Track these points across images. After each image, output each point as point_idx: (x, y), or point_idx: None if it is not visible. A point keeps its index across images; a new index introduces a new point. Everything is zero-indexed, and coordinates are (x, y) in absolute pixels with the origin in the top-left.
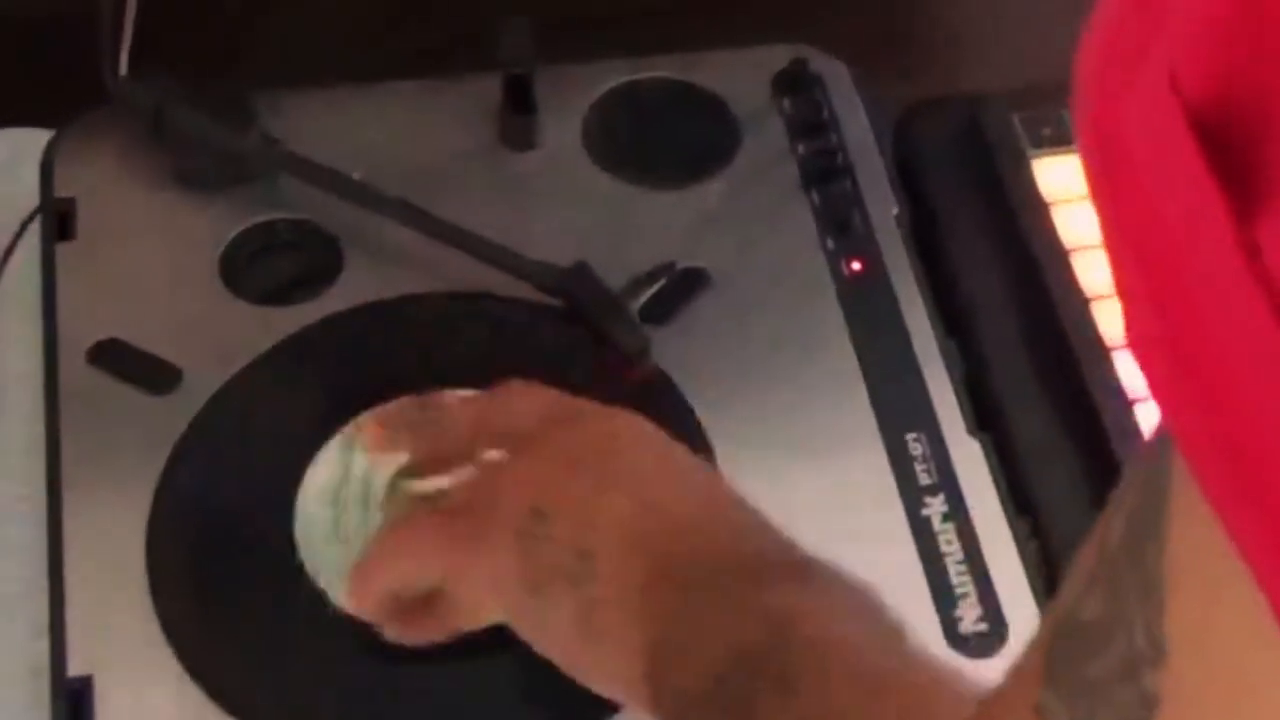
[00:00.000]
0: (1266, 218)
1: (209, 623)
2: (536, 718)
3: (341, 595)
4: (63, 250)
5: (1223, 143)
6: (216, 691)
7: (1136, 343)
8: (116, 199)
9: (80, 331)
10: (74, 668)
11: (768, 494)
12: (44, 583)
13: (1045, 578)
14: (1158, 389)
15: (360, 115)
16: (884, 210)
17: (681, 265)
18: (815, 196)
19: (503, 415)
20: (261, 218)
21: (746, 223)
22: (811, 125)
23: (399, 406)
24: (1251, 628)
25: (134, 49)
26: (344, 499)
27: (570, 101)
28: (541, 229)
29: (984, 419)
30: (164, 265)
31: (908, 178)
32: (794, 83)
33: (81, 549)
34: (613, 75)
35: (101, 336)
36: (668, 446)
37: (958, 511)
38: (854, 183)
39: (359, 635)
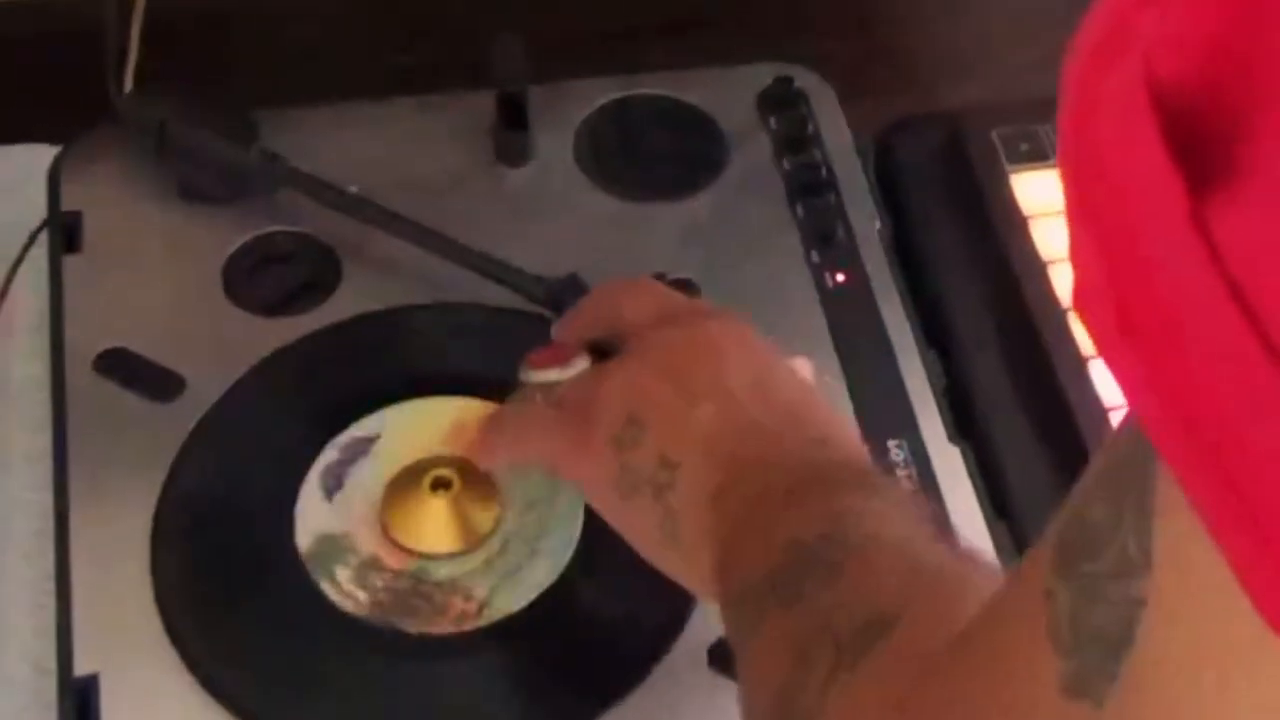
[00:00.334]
0: (1220, 196)
1: (211, 622)
2: (536, 716)
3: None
4: (69, 262)
5: (1187, 124)
6: (218, 689)
7: (1084, 303)
8: (121, 213)
9: (86, 341)
10: (80, 666)
11: None
12: (50, 584)
13: None
14: (1108, 354)
15: (358, 131)
16: (867, 224)
17: (671, 276)
18: (800, 210)
19: (613, 311)
20: (262, 231)
21: (734, 235)
22: (797, 141)
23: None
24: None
25: (138, 67)
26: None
27: (562, 118)
28: (534, 242)
29: (964, 426)
30: (168, 276)
31: (890, 192)
32: (780, 100)
33: (88, 551)
34: (604, 92)
35: (107, 346)
36: (764, 353)
37: (938, 517)
38: (838, 197)
39: (358, 634)
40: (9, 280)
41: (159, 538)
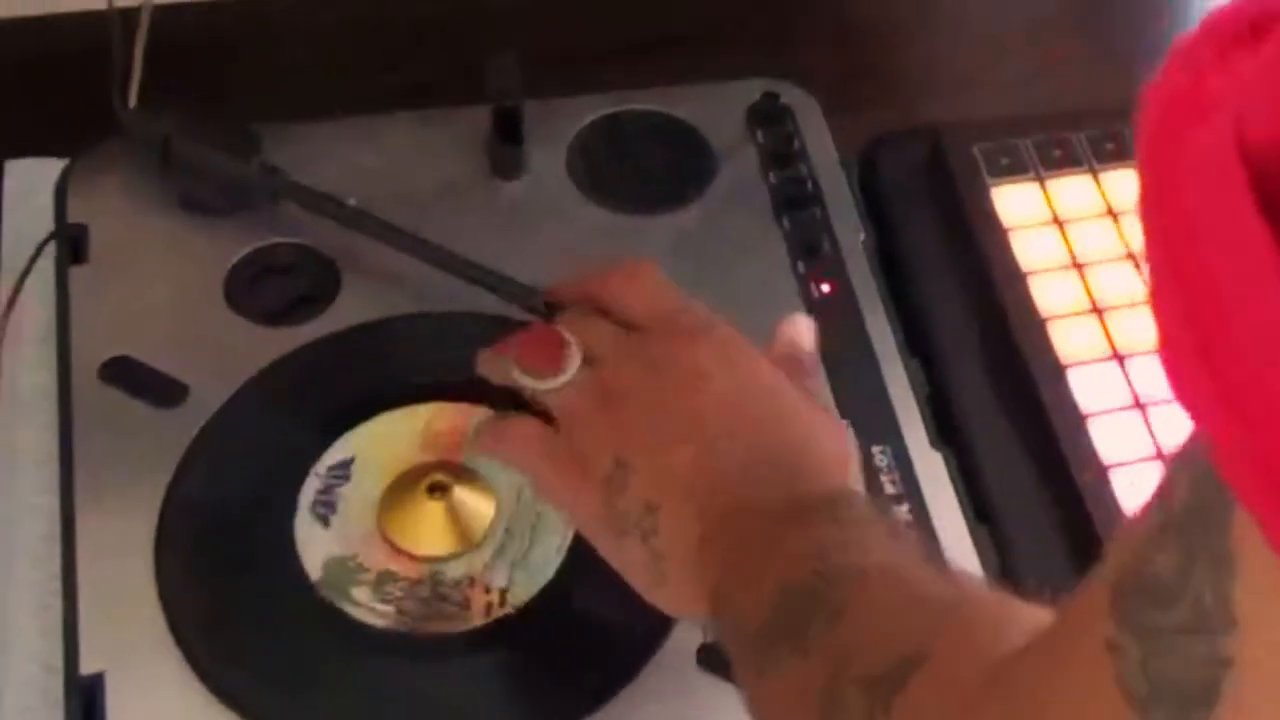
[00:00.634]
0: None
1: (214, 623)
2: (537, 716)
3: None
4: (75, 273)
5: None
6: (220, 687)
7: (1169, 355)
8: (126, 225)
9: (92, 349)
10: (86, 665)
11: None
12: (57, 586)
13: (1003, 582)
14: (1191, 406)
15: (357, 145)
16: (851, 235)
17: None
18: (787, 222)
19: (614, 300)
20: (263, 242)
21: (722, 247)
22: (783, 155)
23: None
24: None
25: (143, 83)
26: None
27: (555, 132)
28: (528, 253)
29: (946, 433)
30: (171, 287)
31: (874, 205)
32: (767, 115)
33: (93, 554)
34: (596, 108)
35: (112, 354)
36: (749, 374)
37: (921, 520)
38: (823, 209)
39: (357, 634)
40: (17, 290)
41: (163, 540)
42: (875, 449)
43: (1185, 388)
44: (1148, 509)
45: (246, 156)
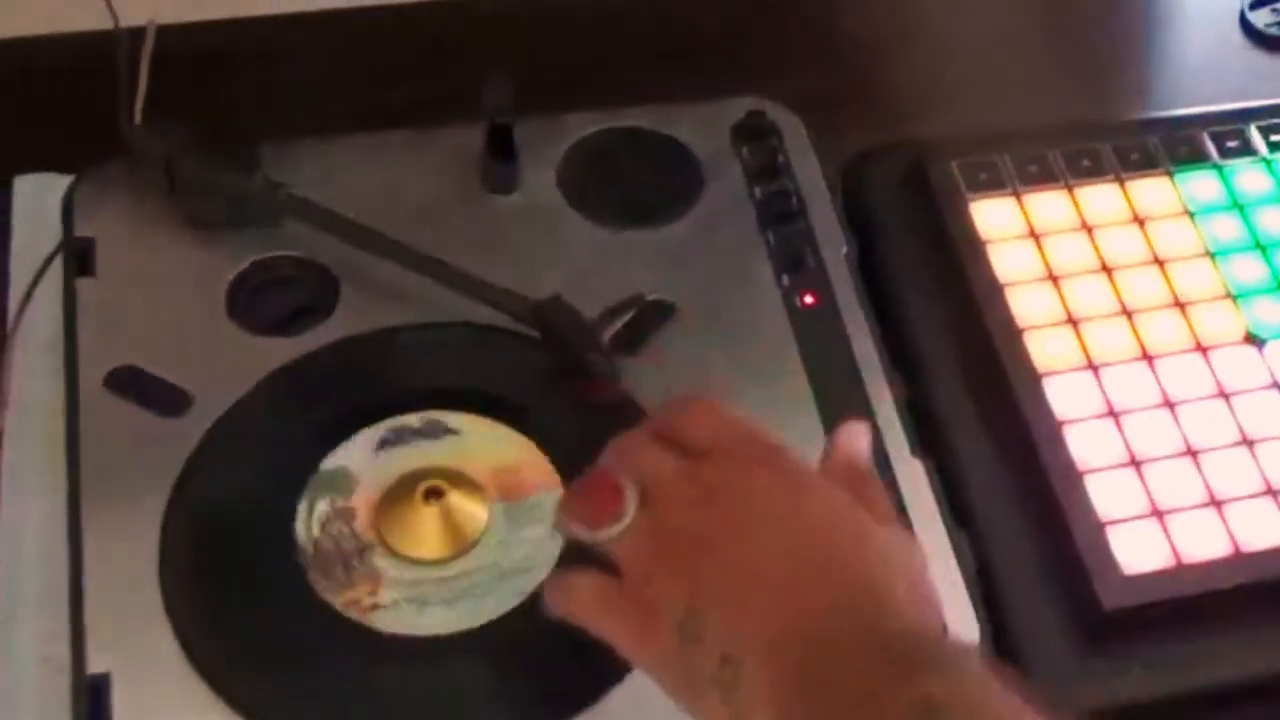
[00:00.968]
0: None
1: (216, 624)
2: (529, 716)
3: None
4: (82, 285)
5: None
6: (221, 687)
7: None
8: (132, 239)
9: (98, 359)
10: (93, 665)
11: None
12: (64, 590)
13: (982, 587)
14: None
15: (355, 162)
16: (834, 248)
17: (649, 298)
18: (771, 236)
19: (676, 431)
20: (264, 255)
21: (709, 260)
22: (768, 171)
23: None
24: None
25: (148, 101)
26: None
27: (547, 149)
28: (520, 265)
29: (926, 440)
30: (175, 299)
31: (856, 219)
32: (752, 132)
33: (99, 558)
34: (586, 125)
35: (118, 364)
36: (817, 501)
37: (901, 524)
38: (807, 223)
39: (356, 636)
40: (25, 302)
41: (167, 543)
42: None
43: None
44: None
45: (249, 173)
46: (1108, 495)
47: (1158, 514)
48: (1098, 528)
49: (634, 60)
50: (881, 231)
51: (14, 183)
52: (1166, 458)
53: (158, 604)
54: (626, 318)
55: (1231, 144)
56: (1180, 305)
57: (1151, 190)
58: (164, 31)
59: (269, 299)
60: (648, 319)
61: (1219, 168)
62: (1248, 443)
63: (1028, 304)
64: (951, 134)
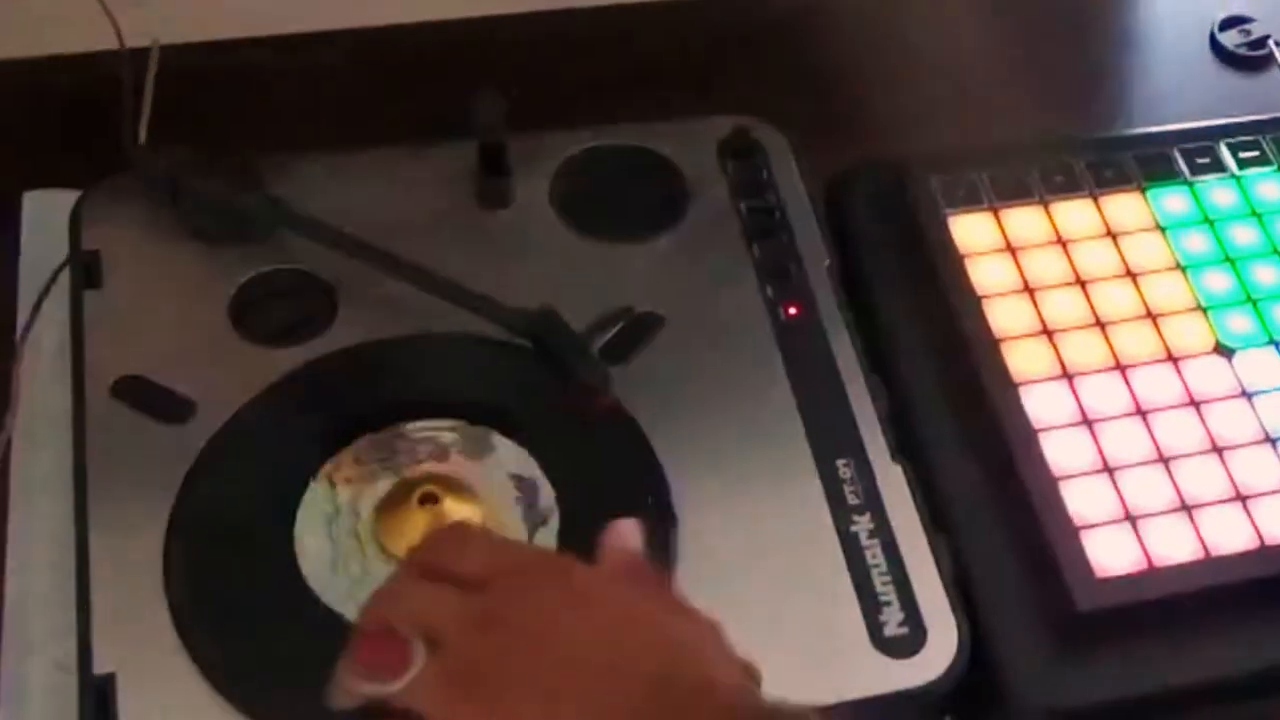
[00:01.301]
0: None
1: (219, 626)
2: None
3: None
4: (89, 297)
5: None
6: (224, 687)
7: None
8: (137, 252)
9: (105, 369)
10: (99, 666)
11: (713, 514)
12: (71, 592)
13: (959, 587)
14: None
15: (353, 178)
16: (817, 261)
17: (638, 310)
18: (756, 249)
19: (449, 565)
20: (265, 268)
21: (696, 272)
22: (753, 186)
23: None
24: None
25: (152, 119)
26: (336, 533)
27: (539, 165)
28: (513, 278)
29: (905, 446)
30: (179, 310)
31: (839, 233)
32: (737, 149)
33: (105, 562)
34: (577, 142)
35: (123, 373)
36: (610, 604)
37: (882, 529)
38: (790, 237)
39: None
40: (35, 313)
41: (171, 547)
42: (839, 461)
43: None
44: None
45: (249, 188)
46: (1082, 500)
47: (1130, 518)
48: (1072, 531)
49: (624, 81)
50: (863, 245)
51: (23, 198)
52: (1139, 464)
53: (162, 606)
54: (616, 329)
55: (1202, 161)
56: (1152, 317)
57: (1124, 206)
58: (167, 52)
59: (270, 310)
60: (637, 330)
61: (1189, 184)
62: (1217, 450)
63: (1005, 315)
64: (931, 151)
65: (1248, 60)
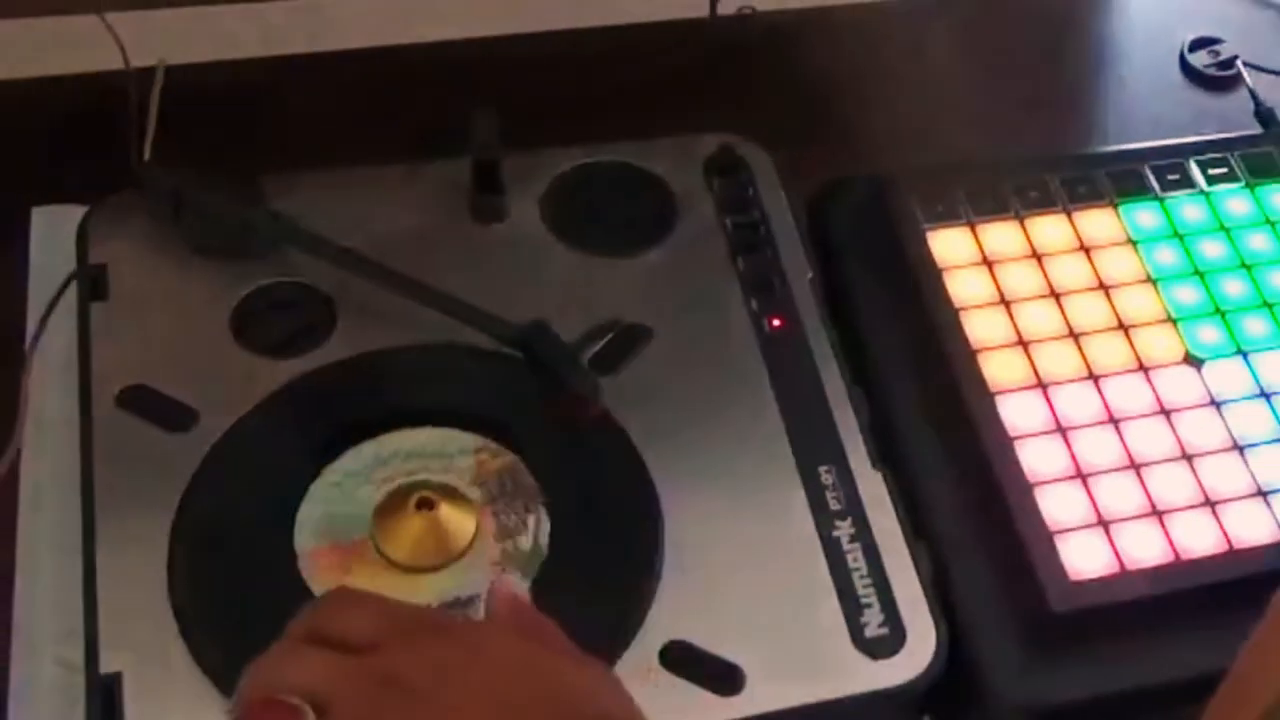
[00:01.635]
0: None
1: (221, 627)
2: None
3: None
4: (96, 309)
5: None
6: (226, 686)
7: None
8: (142, 265)
9: (110, 378)
10: (105, 665)
11: (699, 519)
12: (78, 595)
13: (938, 589)
14: None
15: (352, 194)
16: (800, 275)
17: (627, 322)
18: (741, 263)
19: (335, 629)
20: (266, 281)
21: (682, 286)
22: (738, 202)
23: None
24: None
25: (156, 137)
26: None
27: (531, 182)
28: (506, 291)
29: (886, 454)
30: (183, 322)
31: (821, 247)
32: (723, 166)
33: (111, 565)
34: (568, 159)
35: (129, 383)
36: (497, 657)
37: (863, 533)
38: (774, 251)
39: None
40: (43, 324)
41: (175, 551)
42: (822, 469)
43: None
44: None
45: (251, 204)
46: (1056, 505)
47: (1103, 523)
48: (1047, 536)
49: (613, 99)
50: (845, 259)
51: (32, 214)
52: (1111, 470)
53: (166, 607)
54: (606, 340)
55: (1172, 177)
56: (1124, 328)
57: (1097, 220)
58: (171, 71)
59: (271, 322)
60: (626, 341)
61: (1160, 200)
62: (1187, 457)
63: (982, 327)
64: (910, 168)
65: (1216, 80)
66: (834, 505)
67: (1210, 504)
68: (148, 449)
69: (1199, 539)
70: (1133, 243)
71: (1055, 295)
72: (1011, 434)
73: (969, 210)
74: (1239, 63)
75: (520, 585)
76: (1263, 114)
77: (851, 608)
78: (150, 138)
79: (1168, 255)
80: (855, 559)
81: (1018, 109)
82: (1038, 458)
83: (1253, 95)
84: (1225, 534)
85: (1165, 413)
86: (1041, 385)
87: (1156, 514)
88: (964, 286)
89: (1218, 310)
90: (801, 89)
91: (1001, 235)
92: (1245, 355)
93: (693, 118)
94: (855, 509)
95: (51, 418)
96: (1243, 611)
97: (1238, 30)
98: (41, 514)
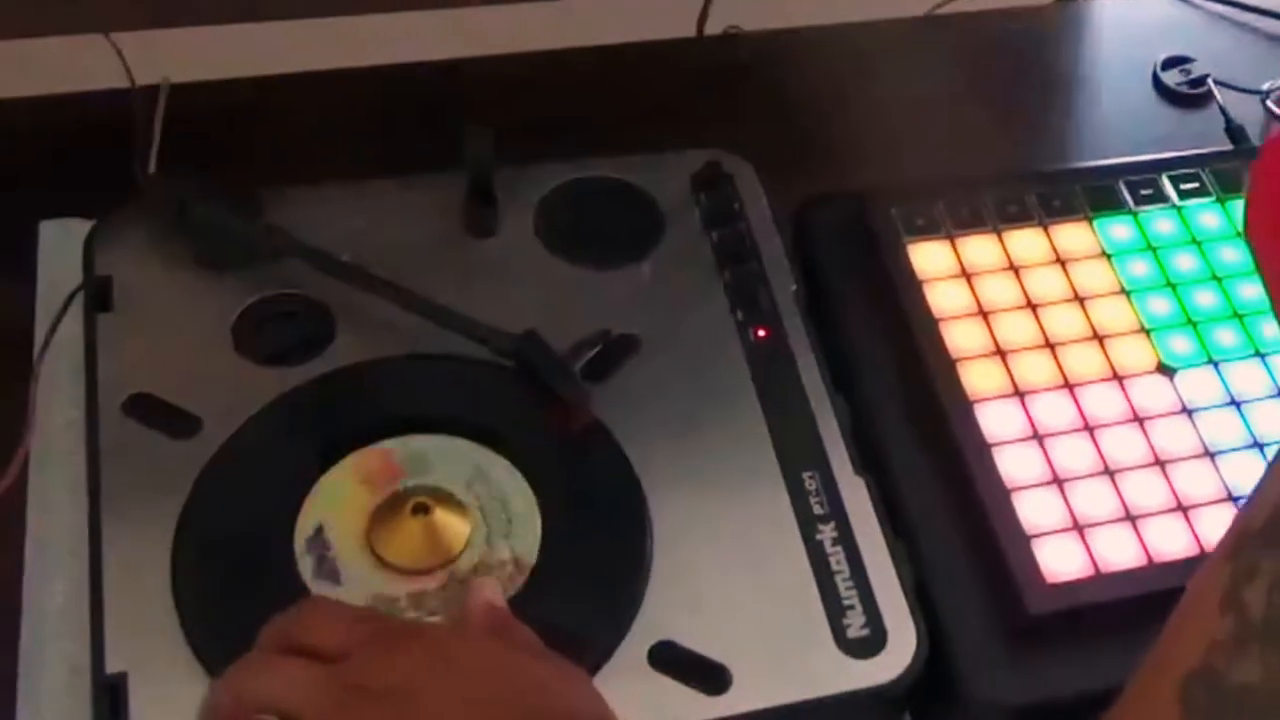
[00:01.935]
0: None
1: (224, 629)
2: None
3: None
4: (102, 320)
5: None
6: None
7: None
8: (147, 277)
9: (116, 387)
10: (111, 666)
11: (686, 523)
12: (85, 597)
13: (918, 592)
14: None
15: (349, 207)
16: (784, 286)
17: (616, 332)
18: (727, 275)
19: (304, 639)
20: (267, 292)
21: (670, 297)
22: (724, 216)
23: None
24: None
25: (160, 153)
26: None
27: (523, 196)
28: (498, 303)
29: (868, 460)
30: (186, 332)
31: (805, 260)
32: (709, 181)
33: (117, 568)
34: (559, 174)
35: (134, 391)
36: (468, 662)
37: (845, 537)
38: (759, 264)
39: None
40: (50, 335)
41: (179, 554)
42: (805, 474)
43: None
44: (1205, 618)
45: (252, 217)
46: (1033, 510)
47: (1078, 527)
48: (1024, 539)
49: (603, 117)
50: (827, 271)
51: (39, 227)
52: (1086, 476)
53: (171, 610)
54: (595, 350)
55: (1145, 192)
56: (1099, 338)
57: (1072, 234)
58: (175, 89)
59: (271, 332)
60: (615, 351)
61: (1134, 214)
62: (1160, 463)
63: (960, 337)
64: (891, 183)
65: (1188, 98)
66: (817, 510)
67: (1182, 508)
68: (152, 455)
69: (1171, 542)
70: (1107, 255)
71: (1032, 306)
72: (989, 441)
73: (948, 224)
74: (1210, 81)
75: (496, 591)
76: (1233, 130)
77: (834, 609)
78: (154, 153)
79: (1141, 268)
80: (838, 562)
81: (996, 126)
82: (1015, 464)
83: (1223, 112)
84: (1196, 537)
85: (1139, 420)
86: (1019, 393)
87: (1130, 518)
88: (943, 298)
89: (1189, 321)
90: (786, 107)
91: (980, 248)
92: (1216, 365)
93: (680, 135)
94: (838, 513)
95: (59, 425)
96: None
97: (1208, 50)
98: (49, 518)
